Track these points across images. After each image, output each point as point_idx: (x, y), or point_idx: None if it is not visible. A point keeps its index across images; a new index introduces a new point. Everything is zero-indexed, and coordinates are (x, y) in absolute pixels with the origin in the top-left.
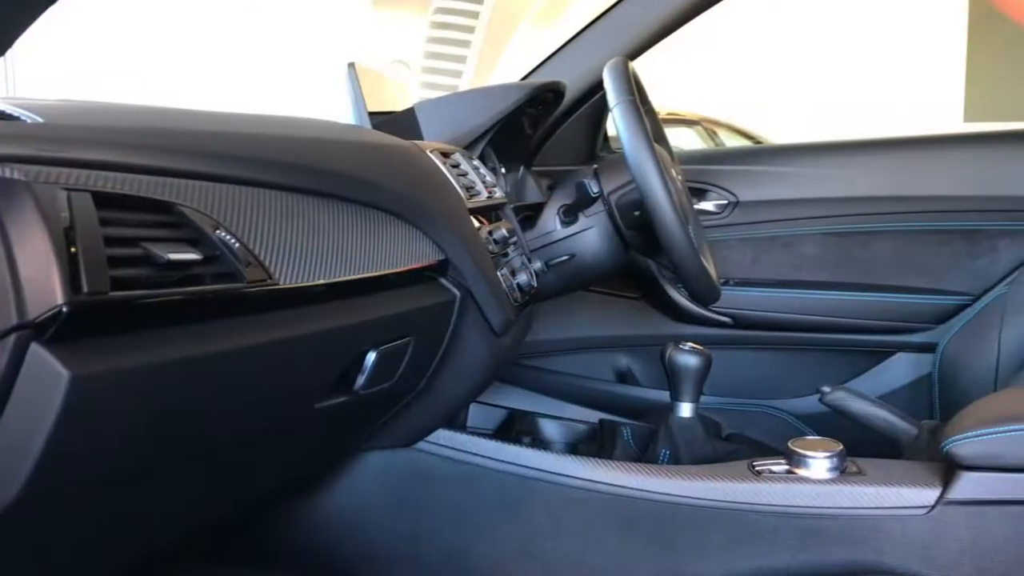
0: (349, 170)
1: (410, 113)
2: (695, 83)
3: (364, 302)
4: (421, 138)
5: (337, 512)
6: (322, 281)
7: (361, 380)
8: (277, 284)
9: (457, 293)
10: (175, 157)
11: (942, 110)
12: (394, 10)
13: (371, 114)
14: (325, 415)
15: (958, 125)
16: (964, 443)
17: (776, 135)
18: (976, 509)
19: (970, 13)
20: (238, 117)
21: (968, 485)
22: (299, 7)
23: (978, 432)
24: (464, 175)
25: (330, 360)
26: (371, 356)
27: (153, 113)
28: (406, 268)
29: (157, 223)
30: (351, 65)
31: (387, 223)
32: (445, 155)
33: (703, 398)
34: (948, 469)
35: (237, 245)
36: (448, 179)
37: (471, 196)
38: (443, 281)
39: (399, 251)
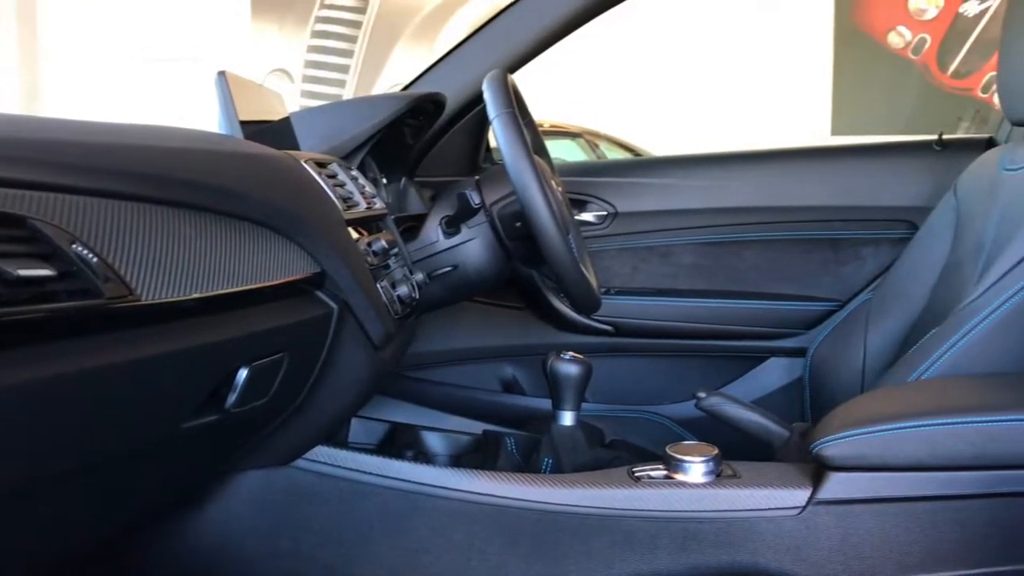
0: (216, 181)
1: (285, 123)
2: (577, 96)
3: (234, 317)
4: (297, 148)
5: (212, 535)
6: (188, 296)
7: (232, 398)
8: (139, 300)
9: (334, 306)
10: (28, 168)
11: (811, 125)
12: (273, 20)
13: (243, 124)
14: (194, 436)
15: (826, 139)
16: (831, 445)
17: (654, 147)
18: (844, 508)
19: (835, 31)
20: (96, 126)
21: (836, 485)
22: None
23: (844, 434)
24: (341, 186)
25: (198, 378)
26: (242, 373)
27: (5, 121)
28: (279, 281)
29: (7, 238)
30: (221, 73)
31: (258, 235)
32: (321, 165)
33: (586, 406)
34: (818, 470)
35: (95, 260)
36: (323, 190)
37: (349, 207)
38: (319, 294)
39: (271, 264)
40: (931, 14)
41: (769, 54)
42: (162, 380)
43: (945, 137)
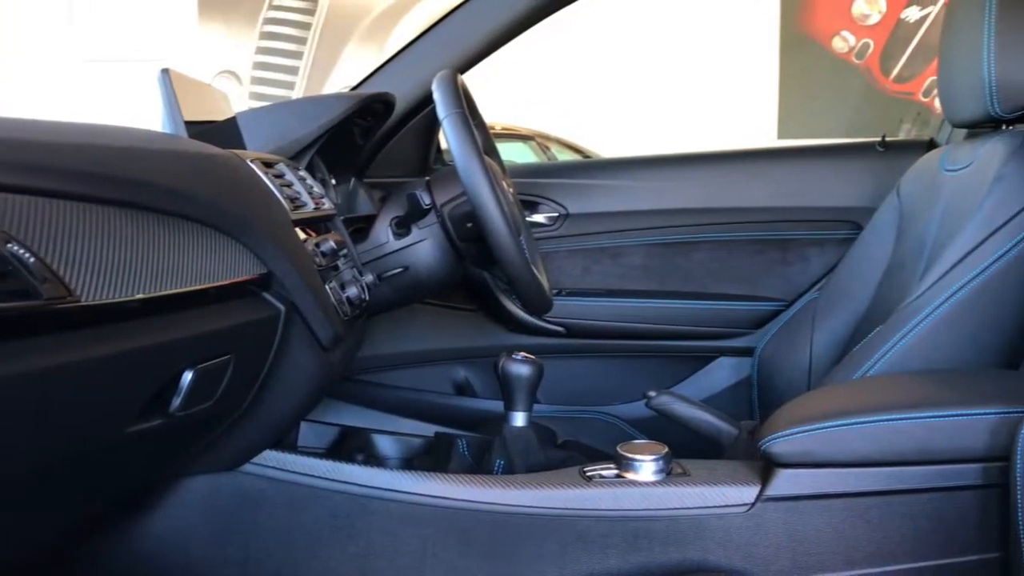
0: (159, 180)
1: (232, 123)
2: (529, 99)
3: (179, 319)
4: (244, 148)
5: (158, 541)
6: (131, 297)
7: (177, 402)
8: (79, 301)
9: (281, 308)
10: None
11: (759, 127)
12: (220, 21)
13: (188, 123)
14: (138, 440)
15: (773, 142)
16: (778, 442)
17: (605, 150)
18: (792, 504)
19: (781, 36)
20: (33, 124)
21: (784, 482)
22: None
23: (791, 431)
24: (289, 186)
25: (141, 381)
26: (187, 376)
27: None
28: (225, 283)
29: None
30: (164, 71)
31: (203, 235)
32: (268, 165)
33: (538, 407)
34: (766, 467)
35: (32, 260)
36: (270, 190)
37: (296, 207)
38: (266, 295)
39: (217, 265)
40: (874, 19)
41: (718, 58)
42: (104, 383)
43: (888, 139)
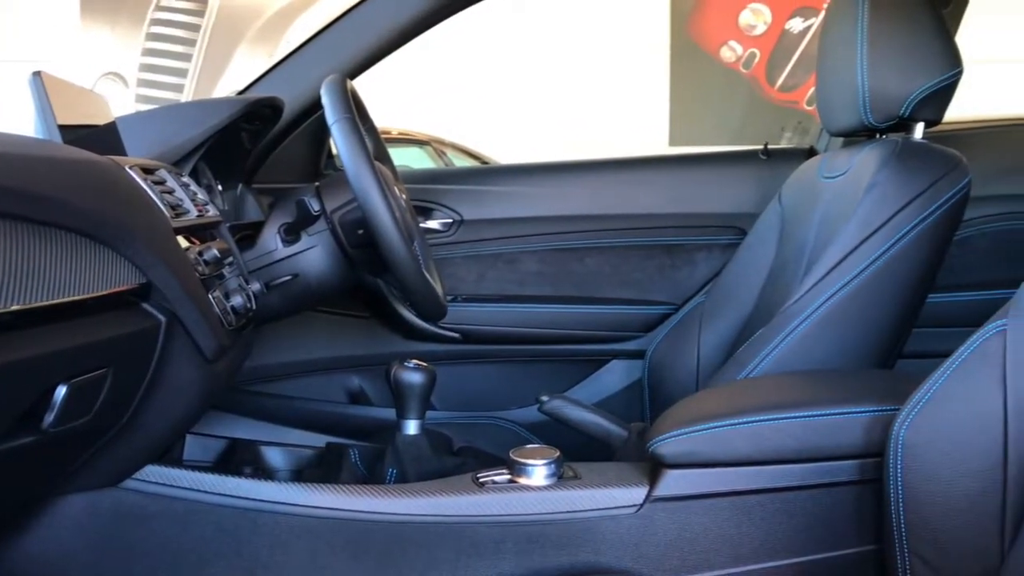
0: (30, 187)
1: (111, 127)
2: (425, 104)
3: (52, 331)
4: (124, 154)
5: (34, 563)
6: (3, 309)
7: (50, 418)
8: None
9: (162, 318)
10: None
11: (651, 134)
12: (104, 21)
13: (63, 128)
14: (8, 458)
15: (664, 148)
16: (665, 443)
17: (501, 155)
18: (679, 504)
19: (671, 45)
20: None
21: (671, 482)
22: None
23: (676, 432)
24: (170, 192)
25: (11, 396)
26: (61, 390)
27: None
28: (101, 293)
29: None
30: (36, 74)
31: (78, 244)
32: (148, 171)
33: (435, 413)
34: (654, 468)
35: None
36: (149, 197)
37: (178, 215)
38: (146, 306)
39: (93, 275)
40: (760, 30)
41: (613, 66)
42: None
43: (770, 147)
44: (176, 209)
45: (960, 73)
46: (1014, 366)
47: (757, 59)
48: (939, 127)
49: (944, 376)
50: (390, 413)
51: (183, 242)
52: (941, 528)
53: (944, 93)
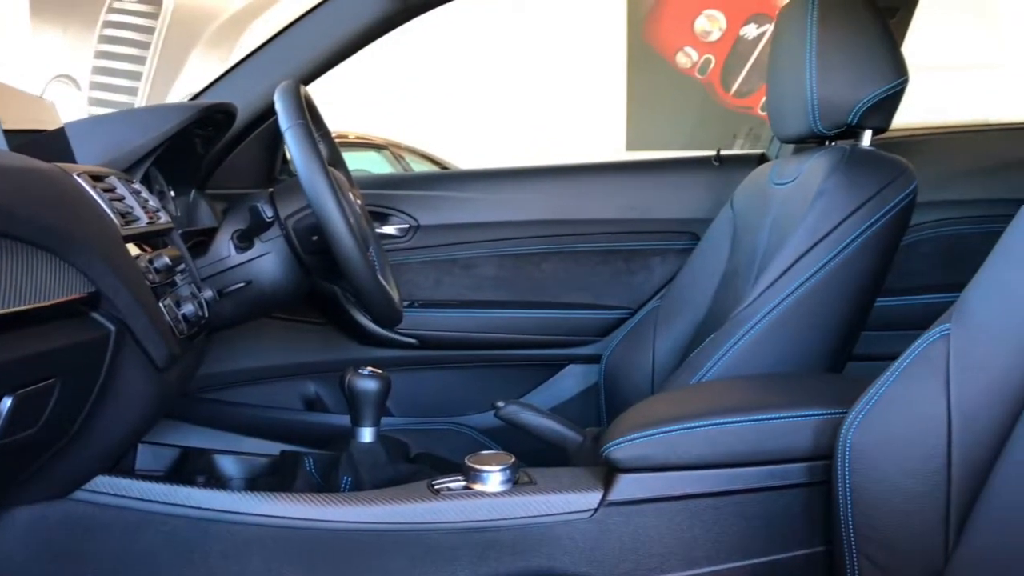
0: None
1: (59, 134)
2: (384, 108)
3: None
4: (73, 161)
5: None
6: None
7: None
8: None
9: (111, 328)
10: None
11: (610, 139)
12: (56, 22)
13: (8, 133)
14: None
15: (622, 153)
16: (619, 448)
17: (460, 160)
18: (633, 508)
19: (628, 50)
20: None
21: (625, 486)
22: None
23: (630, 437)
24: (120, 200)
25: None
26: (7, 402)
27: None
28: (49, 303)
29: None
30: None
31: (23, 253)
32: (97, 179)
33: (392, 419)
34: (608, 473)
35: None
36: (99, 205)
37: (128, 222)
38: (95, 315)
39: (40, 284)
40: (715, 36)
41: (571, 71)
42: None
43: (723, 153)
44: (126, 217)
45: (906, 82)
46: (957, 370)
47: (712, 65)
48: (887, 134)
49: (890, 380)
50: (347, 420)
51: (134, 250)
52: (888, 529)
53: (891, 101)
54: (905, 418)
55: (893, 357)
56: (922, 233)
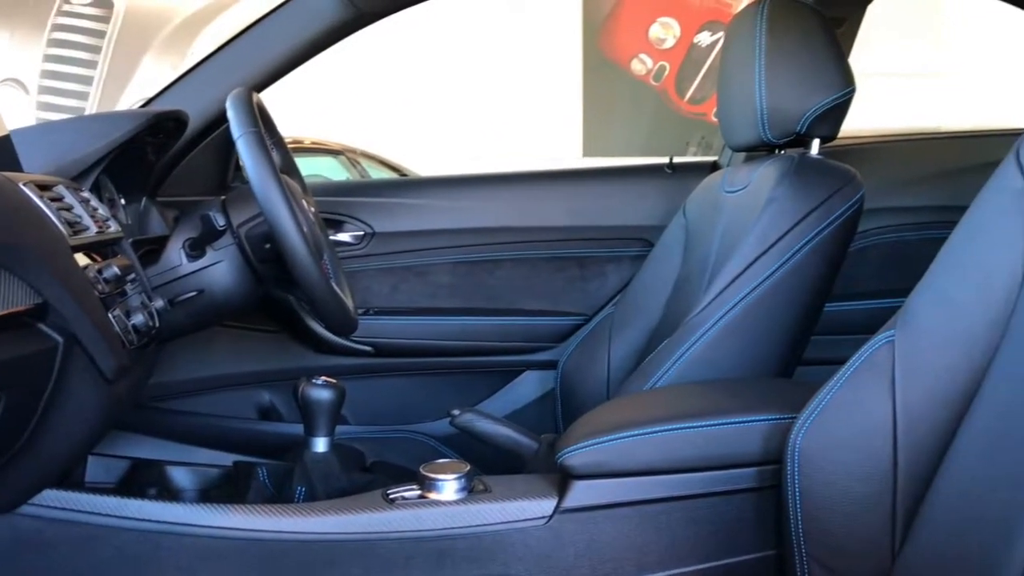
0: None
1: (6, 141)
2: (340, 114)
3: None
4: (19, 169)
5: None
6: None
7: None
8: None
9: (59, 339)
10: None
11: (566, 146)
12: (3, 24)
13: None
14: None
15: (579, 159)
16: (573, 454)
17: (417, 166)
18: (588, 515)
19: (584, 57)
20: None
21: (579, 493)
22: None
23: (584, 443)
24: (68, 209)
25: None
26: None
27: None
28: None
29: None
30: None
31: None
32: (44, 187)
33: (348, 428)
34: (563, 479)
35: None
36: (45, 214)
37: (76, 232)
38: (42, 327)
39: None
40: (669, 43)
41: (527, 77)
42: None
43: (676, 161)
44: (74, 226)
45: (853, 91)
46: (902, 375)
47: (667, 72)
48: (836, 142)
49: (837, 385)
50: (301, 429)
51: (82, 259)
52: (836, 531)
53: (839, 110)
54: (852, 422)
55: (841, 361)
56: (869, 240)
